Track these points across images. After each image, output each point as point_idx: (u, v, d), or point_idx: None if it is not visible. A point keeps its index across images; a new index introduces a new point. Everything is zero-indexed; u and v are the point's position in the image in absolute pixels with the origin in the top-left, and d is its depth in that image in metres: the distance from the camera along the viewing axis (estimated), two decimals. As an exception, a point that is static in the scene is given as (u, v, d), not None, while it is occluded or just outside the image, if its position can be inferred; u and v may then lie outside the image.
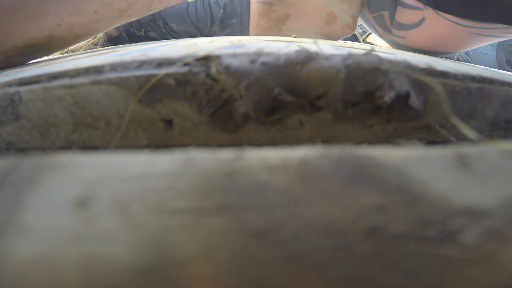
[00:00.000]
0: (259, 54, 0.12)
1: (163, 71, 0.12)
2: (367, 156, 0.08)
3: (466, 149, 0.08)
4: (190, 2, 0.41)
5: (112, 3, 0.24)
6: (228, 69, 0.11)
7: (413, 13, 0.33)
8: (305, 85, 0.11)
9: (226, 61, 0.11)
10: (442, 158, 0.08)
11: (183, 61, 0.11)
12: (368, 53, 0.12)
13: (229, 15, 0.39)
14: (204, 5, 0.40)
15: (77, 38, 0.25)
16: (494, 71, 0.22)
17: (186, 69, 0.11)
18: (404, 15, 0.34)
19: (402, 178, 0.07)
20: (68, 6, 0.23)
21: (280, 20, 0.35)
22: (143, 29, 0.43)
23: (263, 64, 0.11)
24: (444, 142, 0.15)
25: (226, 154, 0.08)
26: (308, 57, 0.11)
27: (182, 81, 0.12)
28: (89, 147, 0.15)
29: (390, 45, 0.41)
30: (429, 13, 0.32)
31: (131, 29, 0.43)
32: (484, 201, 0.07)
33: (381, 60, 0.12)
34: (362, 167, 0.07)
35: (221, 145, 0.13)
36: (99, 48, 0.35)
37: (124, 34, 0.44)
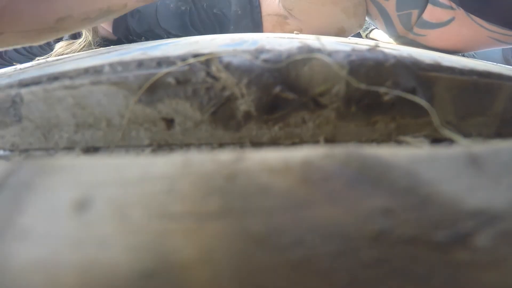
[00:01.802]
0: (260, 51, 0.11)
1: (163, 70, 0.12)
2: (373, 156, 0.07)
3: (478, 148, 0.08)
4: (183, 12, 0.39)
5: None
6: (228, 67, 0.10)
7: (444, 12, 0.32)
8: (308, 82, 0.11)
9: (227, 59, 0.11)
10: (452, 158, 0.08)
11: (184, 61, 0.11)
12: (372, 49, 0.12)
13: (241, 29, 0.38)
14: (209, 16, 0.39)
15: (128, 11, 0.29)
16: (501, 66, 0.21)
17: (186, 67, 0.11)
18: (433, 13, 0.33)
19: (411, 179, 0.07)
20: None
21: (293, 32, 0.36)
22: (143, 37, 0.42)
23: (264, 61, 0.11)
24: (450, 139, 0.14)
25: (225, 156, 0.07)
26: (310, 53, 0.11)
27: (182, 80, 0.11)
28: (91, 147, 0.15)
29: (399, 42, 0.39)
30: (460, 14, 0.31)
31: (130, 36, 0.42)
32: (497, 203, 0.07)
33: (385, 56, 0.11)
34: (368, 168, 0.07)
35: (222, 144, 0.13)
36: (100, 48, 0.35)
37: (124, 40, 0.43)
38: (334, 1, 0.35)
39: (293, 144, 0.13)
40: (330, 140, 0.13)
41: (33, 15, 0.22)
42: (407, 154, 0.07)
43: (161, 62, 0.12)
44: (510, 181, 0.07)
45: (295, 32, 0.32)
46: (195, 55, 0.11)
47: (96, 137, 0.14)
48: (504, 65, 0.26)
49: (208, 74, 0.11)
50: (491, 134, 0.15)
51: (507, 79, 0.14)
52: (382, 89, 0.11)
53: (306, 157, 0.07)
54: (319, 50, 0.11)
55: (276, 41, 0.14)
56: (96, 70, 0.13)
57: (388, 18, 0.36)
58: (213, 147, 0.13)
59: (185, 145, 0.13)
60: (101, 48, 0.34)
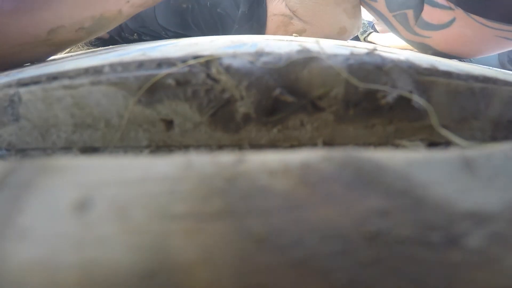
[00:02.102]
0: (260, 53, 0.11)
1: (163, 71, 0.12)
2: (370, 159, 0.07)
3: (471, 152, 0.08)
4: (185, 10, 0.39)
5: None
6: (228, 70, 0.11)
7: (443, 13, 0.32)
8: (307, 85, 0.11)
9: (227, 61, 0.11)
10: (446, 161, 0.08)
11: (184, 63, 0.11)
12: (371, 53, 0.12)
13: (245, 30, 0.38)
14: (212, 15, 0.39)
15: (125, 18, 0.29)
16: (497, 70, 0.22)
17: (186, 69, 0.11)
18: (433, 14, 0.32)
19: (406, 181, 0.07)
20: None
21: (296, 32, 0.36)
22: (135, 34, 0.41)
23: (264, 63, 0.11)
24: (446, 143, 0.15)
25: (226, 158, 0.08)
26: (310, 57, 0.11)
27: (182, 81, 0.12)
28: (89, 147, 0.15)
29: (412, 46, 0.39)
30: (459, 14, 0.31)
31: (123, 33, 0.42)
32: (489, 205, 0.07)
33: (383, 59, 0.12)
34: (365, 171, 0.07)
35: (221, 145, 0.13)
36: (100, 48, 0.35)
37: (116, 37, 0.42)
38: (337, 1, 0.35)
39: (292, 146, 0.13)
40: (329, 142, 0.13)
41: (21, 27, 0.21)
42: (403, 157, 0.08)
43: (161, 63, 0.12)
44: (502, 183, 0.08)
45: (294, 34, 0.33)
46: (196, 57, 0.12)
47: (94, 137, 0.14)
48: (500, 70, 0.26)
49: (208, 76, 0.11)
50: (486, 138, 0.15)
51: (502, 83, 0.15)
52: (381, 88, 0.11)
53: (305, 159, 0.07)
54: (318, 53, 0.11)
55: (276, 44, 0.14)
56: (96, 70, 0.13)
57: (386, 19, 0.36)
58: (212, 148, 0.13)
59: (184, 147, 0.13)
60: (100, 48, 0.34)
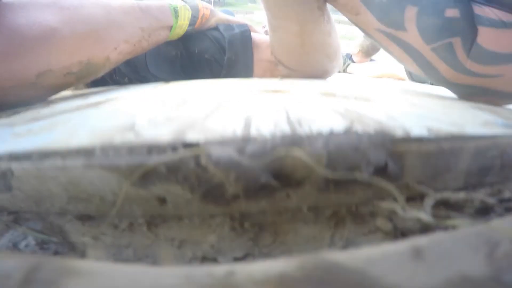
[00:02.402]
0: (246, 139, 0.12)
1: (153, 158, 0.12)
2: (333, 262, 0.09)
3: (422, 241, 0.10)
4: (174, 57, 0.38)
5: (148, 39, 0.30)
6: (217, 164, 0.11)
7: None
8: (290, 170, 0.12)
9: (215, 155, 0.11)
10: (399, 253, 0.09)
11: (174, 151, 0.12)
12: (348, 131, 0.13)
13: (233, 74, 0.38)
14: (201, 62, 0.38)
15: (115, 65, 0.29)
16: (467, 119, 0.19)
17: (176, 157, 0.12)
18: (502, 39, 0.21)
19: (360, 276, 0.08)
20: (123, 35, 0.28)
21: (282, 77, 0.38)
22: (126, 77, 0.40)
23: (251, 155, 0.11)
24: (421, 196, 0.16)
25: (220, 271, 0.09)
26: (292, 142, 0.12)
27: (173, 168, 0.12)
28: (85, 215, 0.15)
29: (458, 91, 0.26)
30: None
31: (114, 75, 0.41)
32: (430, 285, 0.09)
33: (359, 138, 0.13)
34: (328, 273, 0.09)
35: (213, 215, 0.14)
36: (90, 91, 0.34)
37: (108, 79, 0.41)
38: (318, 49, 0.36)
39: (280, 213, 0.14)
40: (313, 207, 0.14)
41: (9, 71, 0.21)
42: (363, 256, 0.09)
43: (151, 149, 0.12)
44: (444, 264, 0.09)
45: (279, 77, 0.34)
46: (185, 144, 0.12)
47: (89, 208, 0.15)
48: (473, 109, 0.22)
49: (198, 165, 0.12)
50: (459, 186, 0.17)
51: (468, 138, 0.16)
52: (357, 177, 0.12)
53: (283, 269, 0.09)
54: (300, 138, 0.12)
55: (262, 115, 0.14)
56: (87, 152, 0.13)
57: (419, 54, 0.24)
58: (205, 218, 0.14)
59: (177, 217, 0.14)
60: (90, 91, 0.33)
